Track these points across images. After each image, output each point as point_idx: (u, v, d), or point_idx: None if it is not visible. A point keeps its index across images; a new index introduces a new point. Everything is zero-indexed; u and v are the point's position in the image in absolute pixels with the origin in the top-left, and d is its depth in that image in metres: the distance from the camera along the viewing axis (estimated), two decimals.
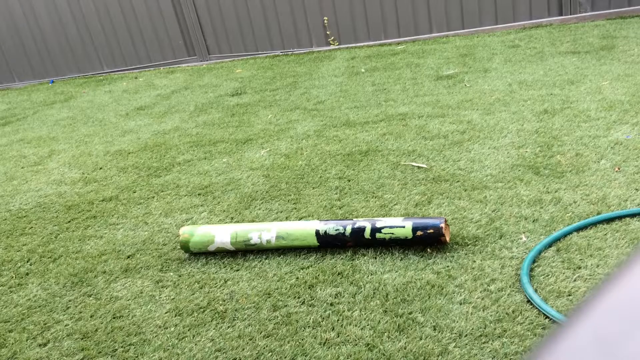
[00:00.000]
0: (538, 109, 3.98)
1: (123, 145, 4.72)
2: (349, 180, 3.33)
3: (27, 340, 2.34)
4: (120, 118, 5.67)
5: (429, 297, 2.19)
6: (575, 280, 2.16)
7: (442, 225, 2.42)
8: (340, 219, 2.82)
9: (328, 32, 7.34)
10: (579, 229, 2.47)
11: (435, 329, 2.02)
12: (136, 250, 2.91)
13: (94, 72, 8.39)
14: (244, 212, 3.15)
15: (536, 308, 2.03)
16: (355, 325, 2.10)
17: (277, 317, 2.23)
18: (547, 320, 1.98)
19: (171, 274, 2.65)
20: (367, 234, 2.50)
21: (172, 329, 2.26)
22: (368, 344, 2.00)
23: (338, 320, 2.15)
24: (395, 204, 2.96)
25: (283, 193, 3.31)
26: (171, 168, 4.01)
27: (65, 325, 2.39)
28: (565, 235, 2.43)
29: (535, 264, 2.28)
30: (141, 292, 2.54)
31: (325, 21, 7.28)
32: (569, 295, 2.09)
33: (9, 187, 4.15)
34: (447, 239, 2.45)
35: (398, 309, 2.15)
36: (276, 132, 4.42)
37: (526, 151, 3.34)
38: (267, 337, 2.13)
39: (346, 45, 7.31)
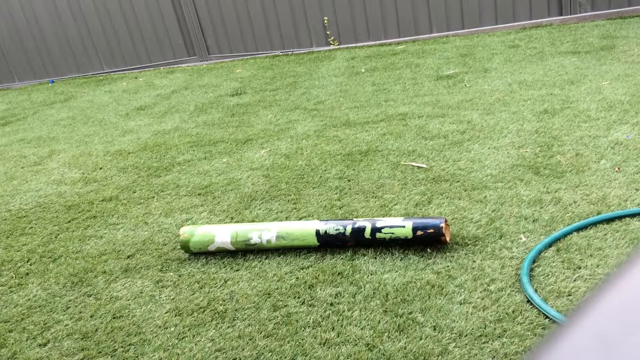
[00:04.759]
0: (538, 109, 3.98)
1: (123, 145, 4.72)
2: (349, 180, 3.33)
3: (27, 340, 2.34)
4: (120, 118, 5.67)
5: (429, 297, 2.19)
6: (575, 280, 2.16)
7: (443, 225, 2.42)
8: (340, 219, 2.82)
9: (328, 32, 7.34)
10: (579, 229, 2.47)
11: (435, 329, 2.02)
12: (136, 250, 2.91)
13: (94, 72, 8.39)
14: (244, 212, 3.15)
15: (536, 308, 2.03)
16: (355, 325, 2.10)
17: (277, 317, 2.23)
18: (547, 320, 1.98)
19: (171, 274, 2.65)
20: (367, 233, 2.50)
21: (172, 329, 2.26)
22: (368, 344, 2.00)
23: (338, 320, 2.15)
24: (395, 204, 2.96)
25: (283, 193, 3.31)
26: (171, 168, 4.01)
27: (65, 325, 2.39)
28: (565, 235, 2.43)
29: (535, 264, 2.28)
30: (141, 292, 2.54)
31: (325, 21, 7.28)
32: (569, 295, 2.09)
33: (9, 187, 4.15)
34: (447, 238, 2.45)
35: (398, 309, 2.15)
36: (276, 132, 4.42)
37: (526, 151, 3.34)
38: (267, 337, 2.13)
39: (346, 45, 7.31)
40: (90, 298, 2.57)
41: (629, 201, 2.64)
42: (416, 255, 2.47)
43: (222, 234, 2.66)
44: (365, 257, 2.51)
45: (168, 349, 2.14)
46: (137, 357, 2.14)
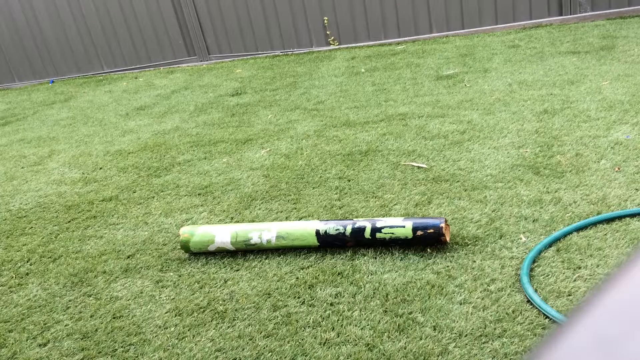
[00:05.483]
0: (538, 109, 3.98)
1: (123, 145, 4.72)
2: (349, 180, 3.33)
3: (27, 340, 2.34)
4: (120, 118, 5.67)
5: (429, 297, 2.19)
6: (575, 280, 2.16)
7: (442, 225, 2.42)
8: (340, 219, 2.82)
9: (328, 32, 7.34)
10: (579, 229, 2.47)
11: (435, 329, 2.02)
12: (136, 250, 2.91)
13: (94, 72, 8.39)
14: (244, 212, 3.15)
15: (536, 308, 2.03)
16: (355, 325, 2.10)
17: (277, 317, 2.23)
18: (547, 320, 1.98)
19: (171, 274, 2.65)
20: (367, 233, 2.50)
21: (172, 329, 2.26)
22: (368, 344, 2.00)
23: (338, 320, 2.15)
24: (395, 204, 2.96)
25: (283, 193, 3.31)
26: (171, 168, 4.01)
27: (65, 325, 2.39)
28: (565, 235, 2.43)
29: (535, 264, 2.28)
30: (141, 292, 2.54)
31: (325, 21, 7.28)
32: (569, 295, 2.09)
33: (9, 187, 4.15)
34: (447, 238, 2.45)
35: (398, 309, 2.15)
36: (276, 132, 4.42)
37: (526, 151, 3.34)
38: (267, 337, 2.13)
39: (346, 45, 7.31)
40: (90, 298, 2.57)
41: (629, 201, 2.64)
42: (416, 255, 2.47)
43: (222, 234, 2.66)
44: (365, 257, 2.51)
45: (168, 349, 2.14)
46: (137, 357, 2.14)
